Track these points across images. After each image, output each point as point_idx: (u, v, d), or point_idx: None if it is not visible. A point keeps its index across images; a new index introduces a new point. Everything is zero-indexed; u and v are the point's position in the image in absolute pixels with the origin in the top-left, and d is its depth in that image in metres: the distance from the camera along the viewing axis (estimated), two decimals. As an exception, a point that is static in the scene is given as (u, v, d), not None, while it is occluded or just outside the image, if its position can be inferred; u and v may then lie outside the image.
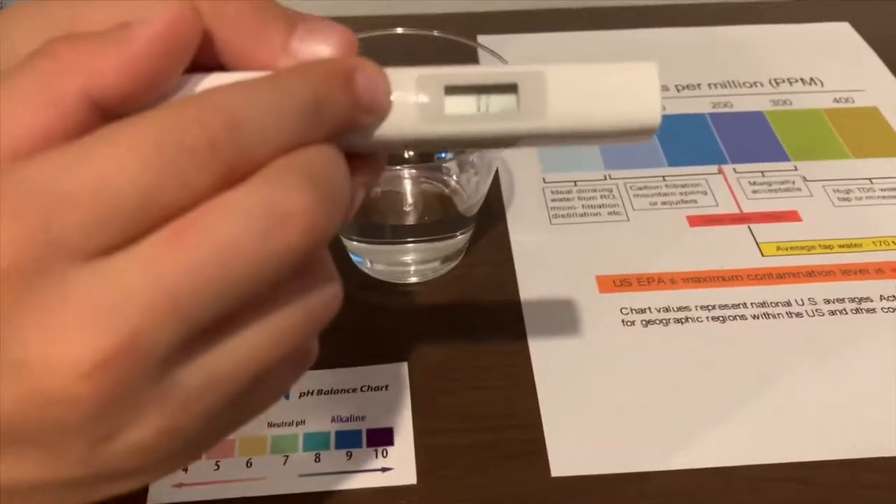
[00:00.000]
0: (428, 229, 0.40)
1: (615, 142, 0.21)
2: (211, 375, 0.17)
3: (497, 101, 0.20)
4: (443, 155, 0.43)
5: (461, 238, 0.41)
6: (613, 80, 0.21)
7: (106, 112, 0.17)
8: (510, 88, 0.20)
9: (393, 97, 0.20)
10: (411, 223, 0.40)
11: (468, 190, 0.40)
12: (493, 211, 0.44)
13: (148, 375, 0.16)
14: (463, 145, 0.21)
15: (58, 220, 0.16)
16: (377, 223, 0.40)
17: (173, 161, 0.16)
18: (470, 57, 0.41)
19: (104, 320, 0.16)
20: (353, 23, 0.61)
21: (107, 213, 0.16)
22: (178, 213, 0.16)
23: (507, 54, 0.56)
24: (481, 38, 0.57)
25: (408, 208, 0.40)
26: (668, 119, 0.50)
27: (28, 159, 0.16)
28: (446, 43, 0.41)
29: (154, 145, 0.16)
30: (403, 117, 0.20)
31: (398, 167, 0.43)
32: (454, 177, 0.42)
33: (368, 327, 0.38)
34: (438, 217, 0.40)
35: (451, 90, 0.20)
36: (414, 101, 0.20)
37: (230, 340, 0.17)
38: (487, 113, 0.20)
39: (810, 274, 0.40)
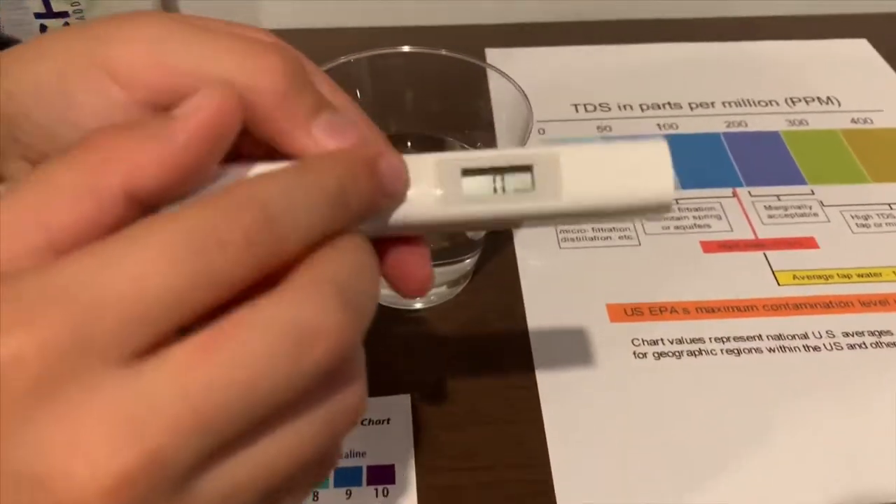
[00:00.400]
0: (434, 253, 0.38)
1: (629, 218, 0.21)
2: (230, 485, 0.17)
3: (513, 182, 0.21)
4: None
5: (467, 262, 0.39)
6: (626, 159, 0.21)
7: (145, 204, 0.17)
8: (525, 169, 0.21)
9: (412, 182, 0.21)
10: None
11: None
12: (500, 233, 0.43)
13: (168, 489, 0.16)
14: (480, 226, 0.23)
15: (86, 327, 0.15)
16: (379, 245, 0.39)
17: (207, 259, 0.16)
18: (479, 76, 0.39)
19: (128, 434, 0.15)
20: (360, 35, 0.60)
21: (137, 319, 0.15)
22: (210, 310, 0.16)
23: (516, 68, 0.54)
24: (489, 52, 0.56)
25: (412, 232, 0.39)
26: (681, 139, 0.49)
27: (59, 260, 0.16)
28: (455, 62, 0.39)
29: (186, 245, 0.16)
30: (424, 201, 0.21)
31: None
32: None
33: (371, 356, 0.37)
34: (444, 241, 0.39)
35: (468, 172, 0.21)
36: (434, 184, 0.21)
37: (251, 449, 0.17)
38: (504, 194, 0.21)
39: (828, 305, 0.39)
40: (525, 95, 0.37)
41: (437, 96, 0.40)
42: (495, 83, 0.39)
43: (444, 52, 0.39)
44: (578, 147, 0.21)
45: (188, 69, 0.20)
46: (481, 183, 0.21)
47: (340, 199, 0.18)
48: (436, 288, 0.39)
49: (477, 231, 0.21)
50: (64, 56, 0.21)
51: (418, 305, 0.39)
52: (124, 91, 0.21)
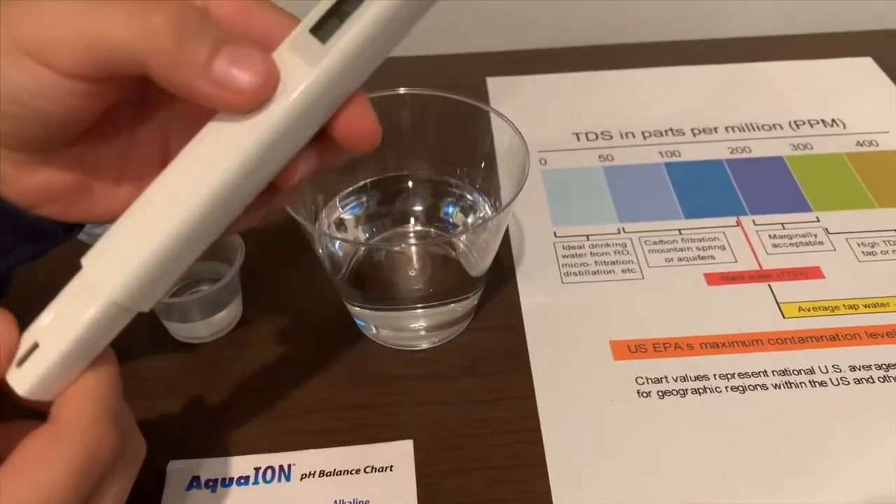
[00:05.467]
0: (435, 293, 0.38)
1: None
2: None
3: (351, 5, 0.22)
4: (449, 210, 0.42)
5: (470, 301, 0.39)
6: None
7: None
8: None
9: (283, 74, 0.22)
10: (418, 287, 0.39)
11: (477, 252, 0.39)
12: (502, 267, 0.42)
13: None
14: (364, 62, 0.23)
15: None
16: (382, 288, 0.39)
17: None
18: (479, 114, 0.39)
19: None
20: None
21: None
22: None
23: (517, 97, 0.55)
24: (490, 81, 0.56)
25: (413, 272, 0.39)
26: (684, 166, 0.48)
27: None
28: (453, 102, 0.39)
29: None
30: (301, 77, 0.22)
31: (404, 227, 0.42)
32: (462, 238, 0.41)
33: (373, 399, 0.37)
34: (446, 280, 0.39)
35: (315, 28, 0.22)
36: (300, 60, 0.22)
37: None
38: (349, 19, 0.22)
39: (834, 338, 0.39)
40: (522, 138, 0.37)
41: (436, 135, 0.41)
42: (496, 121, 0.39)
43: (442, 93, 0.39)
44: None
45: (88, 40, 0.21)
46: (329, 27, 0.22)
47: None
48: (438, 329, 0.39)
49: (364, 71, 0.22)
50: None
51: (420, 345, 0.39)
52: (48, 69, 0.22)
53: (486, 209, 0.41)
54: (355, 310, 0.39)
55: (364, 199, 0.43)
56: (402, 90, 0.39)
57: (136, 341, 0.40)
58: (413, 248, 0.40)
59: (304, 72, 0.22)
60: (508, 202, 0.35)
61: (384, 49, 0.23)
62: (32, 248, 0.26)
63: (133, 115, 0.26)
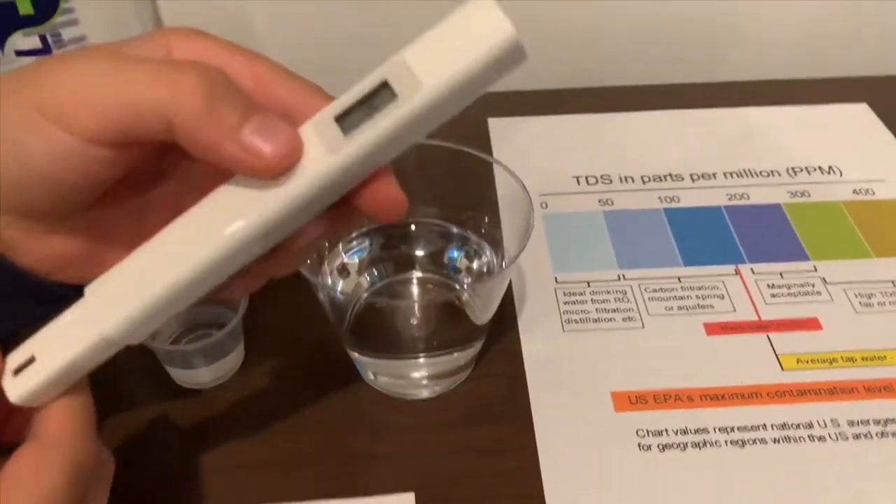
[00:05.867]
0: (437, 342, 0.39)
1: (498, 74, 0.23)
2: None
3: (378, 102, 0.23)
4: (453, 254, 0.43)
5: (472, 350, 0.39)
6: (460, 25, 0.22)
7: None
8: (384, 86, 0.23)
9: (306, 153, 0.23)
10: (420, 336, 0.39)
11: (481, 302, 0.39)
12: (504, 313, 0.43)
13: None
14: (381, 153, 0.23)
15: None
16: (384, 336, 0.39)
17: None
18: (482, 163, 0.40)
19: None
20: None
21: None
22: None
23: (518, 139, 0.55)
24: (492, 122, 0.57)
25: (416, 321, 0.39)
26: (683, 212, 0.49)
27: None
28: (456, 153, 0.40)
29: None
30: (318, 160, 0.23)
31: (408, 273, 0.42)
32: (465, 285, 0.41)
33: (373, 450, 0.37)
34: (450, 330, 0.39)
35: (340, 117, 0.23)
36: (320, 143, 0.23)
37: None
38: (377, 115, 0.22)
39: (832, 391, 0.39)
40: (525, 190, 0.37)
41: (441, 183, 0.41)
42: (500, 170, 0.40)
43: (446, 144, 0.39)
44: (416, 41, 0.23)
45: (113, 104, 0.22)
46: (354, 119, 0.23)
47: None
48: (439, 378, 0.39)
49: (383, 160, 0.23)
50: (8, 104, 0.22)
51: (421, 394, 0.39)
52: (70, 135, 0.22)
53: (489, 255, 0.42)
54: (356, 356, 0.39)
55: (367, 243, 0.43)
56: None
57: (137, 385, 0.40)
58: (415, 296, 0.40)
59: (322, 157, 0.23)
60: (514, 257, 0.35)
61: (409, 141, 0.23)
62: (43, 310, 0.26)
63: (149, 180, 0.26)
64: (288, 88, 0.24)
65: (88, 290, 0.25)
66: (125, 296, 0.24)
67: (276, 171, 0.22)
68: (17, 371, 0.25)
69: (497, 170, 0.40)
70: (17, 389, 0.25)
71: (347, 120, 0.23)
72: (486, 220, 0.41)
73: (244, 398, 0.39)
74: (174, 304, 0.24)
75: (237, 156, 0.22)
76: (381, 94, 0.23)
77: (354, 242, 0.43)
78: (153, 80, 0.22)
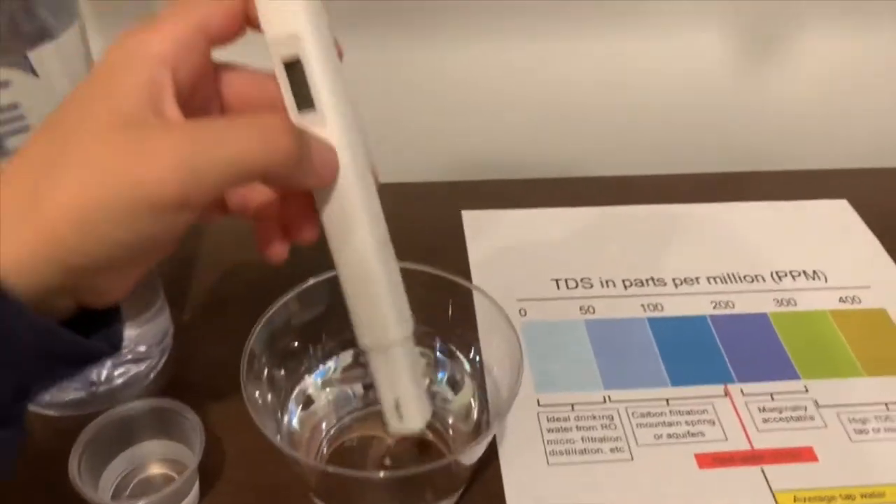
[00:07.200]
0: (415, 488, 0.35)
1: None
2: None
3: (298, 72, 0.26)
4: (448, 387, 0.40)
5: (453, 497, 0.36)
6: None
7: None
8: (289, 65, 0.26)
9: None
10: (393, 476, 0.36)
11: (467, 451, 0.35)
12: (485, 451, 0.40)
13: None
14: (346, 104, 0.27)
15: None
16: (354, 477, 0.36)
17: None
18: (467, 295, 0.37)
19: None
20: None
21: None
22: None
23: (494, 235, 0.53)
24: (465, 214, 0.54)
25: (388, 461, 0.36)
26: (667, 323, 0.47)
27: None
28: (433, 277, 0.37)
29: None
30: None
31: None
32: (450, 421, 0.38)
33: None
34: (430, 477, 0.36)
35: (300, 107, 0.27)
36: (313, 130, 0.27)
37: None
38: (309, 77, 0.26)
39: (833, 535, 0.37)
40: (516, 333, 0.35)
41: (420, 306, 0.38)
42: (483, 298, 0.37)
43: (428, 269, 0.37)
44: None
45: (227, 177, 0.24)
46: (304, 97, 0.26)
47: None
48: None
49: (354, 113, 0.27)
50: (115, 208, 0.22)
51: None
52: (186, 210, 0.24)
53: (465, 369, 0.39)
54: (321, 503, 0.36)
55: (332, 364, 0.40)
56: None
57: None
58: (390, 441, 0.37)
59: (326, 133, 0.27)
60: (505, 410, 0.33)
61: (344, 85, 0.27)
62: (78, 369, 0.26)
63: None
64: (276, 86, 0.27)
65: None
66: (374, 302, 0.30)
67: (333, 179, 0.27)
68: (399, 416, 0.32)
69: (478, 299, 0.37)
70: (413, 423, 0.32)
71: (303, 102, 0.26)
72: (468, 343, 0.39)
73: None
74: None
75: (316, 181, 0.27)
76: (295, 69, 0.26)
77: (318, 364, 0.40)
78: (255, 144, 0.24)
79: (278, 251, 0.30)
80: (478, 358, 0.39)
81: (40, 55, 0.33)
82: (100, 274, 0.24)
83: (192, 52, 0.25)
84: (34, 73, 0.34)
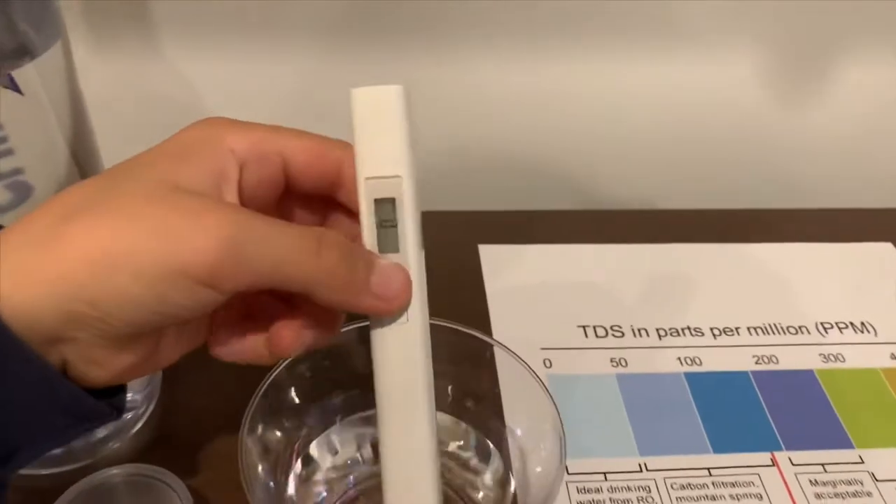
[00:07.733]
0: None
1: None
2: None
3: (386, 211, 0.25)
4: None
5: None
6: (364, 113, 0.25)
7: None
8: (380, 202, 0.25)
9: None
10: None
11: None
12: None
13: None
14: (420, 243, 0.26)
15: None
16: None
17: None
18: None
19: None
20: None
21: None
22: None
23: (513, 272, 0.48)
24: (483, 249, 0.50)
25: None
26: (707, 379, 0.43)
27: None
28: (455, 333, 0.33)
29: None
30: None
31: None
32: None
33: None
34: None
35: (381, 249, 0.26)
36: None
37: None
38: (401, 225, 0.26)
39: None
40: (556, 407, 0.30)
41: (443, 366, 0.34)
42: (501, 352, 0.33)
43: (451, 325, 0.32)
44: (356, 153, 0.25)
45: (264, 272, 0.23)
46: (389, 241, 0.26)
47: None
48: None
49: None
50: (142, 262, 0.21)
51: None
52: (213, 290, 0.22)
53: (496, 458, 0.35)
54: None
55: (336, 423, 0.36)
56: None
57: None
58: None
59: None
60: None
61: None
62: (84, 428, 0.25)
63: None
64: (335, 153, 0.26)
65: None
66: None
67: (404, 306, 0.25)
68: None
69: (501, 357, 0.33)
70: None
71: (387, 245, 0.25)
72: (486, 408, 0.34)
73: None
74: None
75: (373, 305, 0.25)
76: (383, 206, 0.25)
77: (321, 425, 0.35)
78: (298, 257, 0.23)
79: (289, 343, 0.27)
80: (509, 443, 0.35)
81: (24, 73, 0.30)
82: (97, 335, 0.22)
83: (265, 165, 0.25)
84: (18, 90, 0.31)
